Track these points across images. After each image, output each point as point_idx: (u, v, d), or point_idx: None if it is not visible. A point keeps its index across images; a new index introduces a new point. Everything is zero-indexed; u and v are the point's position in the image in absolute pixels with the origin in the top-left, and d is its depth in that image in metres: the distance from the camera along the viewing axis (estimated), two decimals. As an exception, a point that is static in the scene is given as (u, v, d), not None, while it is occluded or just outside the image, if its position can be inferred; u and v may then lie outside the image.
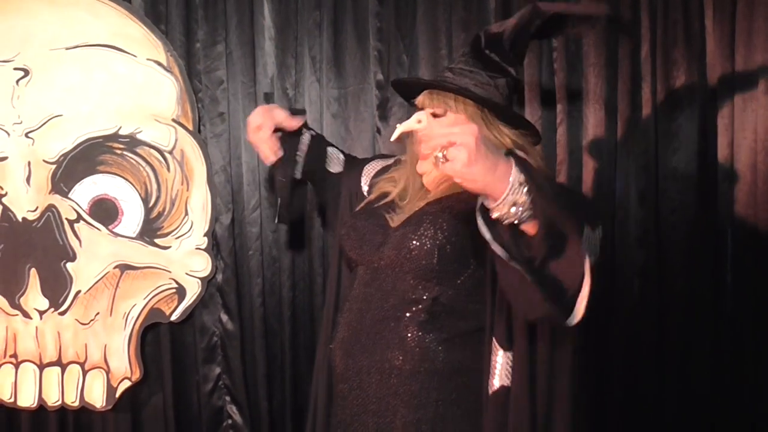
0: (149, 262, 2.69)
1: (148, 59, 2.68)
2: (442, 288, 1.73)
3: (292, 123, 2.14)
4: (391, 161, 2.08)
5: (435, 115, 1.77)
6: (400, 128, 1.71)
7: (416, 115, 1.71)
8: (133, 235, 2.69)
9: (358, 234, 1.85)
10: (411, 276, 1.74)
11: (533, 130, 1.86)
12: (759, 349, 2.57)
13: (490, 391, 1.69)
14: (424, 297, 1.74)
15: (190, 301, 2.72)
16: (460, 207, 1.73)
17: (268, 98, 2.73)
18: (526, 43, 1.88)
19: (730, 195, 2.59)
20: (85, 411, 2.74)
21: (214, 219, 2.72)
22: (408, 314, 1.74)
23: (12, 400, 2.72)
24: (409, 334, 1.73)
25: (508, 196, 1.38)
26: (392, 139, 1.76)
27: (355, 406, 1.78)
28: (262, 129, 2.05)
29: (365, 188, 2.04)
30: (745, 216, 2.57)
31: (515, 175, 1.38)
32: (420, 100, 1.82)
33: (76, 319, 2.68)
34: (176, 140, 2.68)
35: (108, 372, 2.70)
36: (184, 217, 2.70)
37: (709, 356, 2.63)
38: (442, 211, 1.74)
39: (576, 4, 1.90)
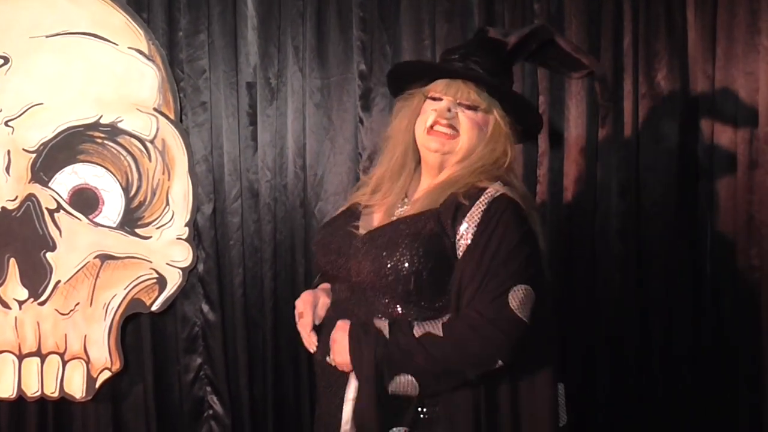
0: (130, 252, 2.68)
1: (129, 48, 2.66)
2: (420, 310, 1.71)
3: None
4: None
5: (468, 108, 1.79)
6: (435, 114, 1.78)
7: (446, 104, 1.78)
8: (114, 225, 2.68)
9: (325, 246, 1.83)
10: (388, 297, 1.72)
11: (537, 130, 1.98)
12: (737, 340, 2.59)
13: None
14: (402, 315, 1.71)
15: (171, 291, 2.71)
16: (435, 227, 1.71)
17: (251, 88, 2.72)
18: (521, 57, 1.91)
19: (710, 187, 2.61)
20: (64, 402, 2.72)
21: (196, 209, 2.71)
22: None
23: (-9, 390, 2.70)
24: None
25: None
26: (428, 123, 1.78)
27: (333, 406, 1.77)
28: (303, 317, 1.85)
29: None
30: (725, 208, 2.59)
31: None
32: (444, 87, 1.80)
33: (56, 309, 2.67)
34: (157, 129, 2.66)
35: (88, 362, 2.69)
36: (165, 207, 2.69)
37: (691, 347, 2.65)
38: (418, 234, 1.71)
39: (578, 48, 1.94)
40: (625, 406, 2.66)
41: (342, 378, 1.73)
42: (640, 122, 2.66)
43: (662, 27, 2.64)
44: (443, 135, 1.79)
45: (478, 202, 1.71)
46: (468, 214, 1.70)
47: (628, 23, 2.63)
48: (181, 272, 2.70)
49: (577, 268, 2.68)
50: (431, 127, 1.79)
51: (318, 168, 2.72)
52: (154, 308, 2.71)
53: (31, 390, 2.69)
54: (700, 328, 2.65)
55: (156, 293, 2.70)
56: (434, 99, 1.81)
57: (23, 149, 2.64)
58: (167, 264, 2.70)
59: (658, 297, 2.65)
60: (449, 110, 1.78)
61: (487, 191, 1.73)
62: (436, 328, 1.65)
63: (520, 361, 1.67)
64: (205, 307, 2.75)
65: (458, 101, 1.79)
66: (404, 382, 1.64)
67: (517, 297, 1.63)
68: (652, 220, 2.66)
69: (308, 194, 2.72)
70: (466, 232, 1.69)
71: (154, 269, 2.69)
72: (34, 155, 2.65)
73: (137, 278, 2.69)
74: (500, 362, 1.63)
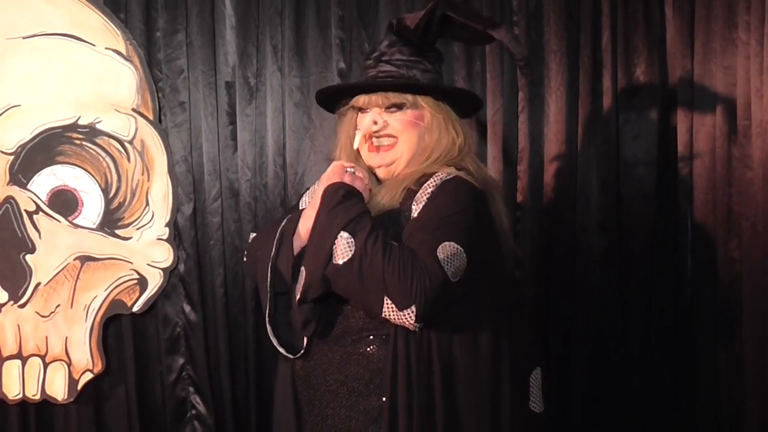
0: (110, 253, 2.67)
1: (107, 48, 2.64)
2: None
3: None
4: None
5: (395, 109, 1.79)
6: (360, 133, 1.79)
7: (371, 117, 1.79)
8: (94, 226, 2.66)
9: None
10: (363, 311, 1.72)
11: (477, 103, 1.94)
12: (717, 332, 2.60)
13: None
14: (379, 329, 1.72)
15: (152, 292, 2.69)
16: (398, 229, 1.71)
17: (229, 87, 2.71)
18: (432, 37, 1.87)
19: (690, 180, 2.62)
20: (46, 404, 2.70)
21: (176, 209, 2.70)
22: (368, 336, 1.73)
23: (-28, 394, 2.69)
24: (370, 350, 1.72)
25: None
26: (355, 146, 1.81)
27: (325, 426, 1.76)
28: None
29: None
30: (705, 201, 2.60)
31: None
32: (365, 100, 1.81)
33: (37, 312, 2.65)
34: (136, 130, 2.65)
35: (69, 364, 2.67)
36: (145, 208, 2.68)
37: (671, 339, 2.66)
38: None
39: (477, 18, 1.89)
40: (604, 397, 2.67)
41: (340, 396, 1.73)
42: (620, 117, 2.67)
43: (641, 22, 2.66)
44: (382, 148, 1.81)
45: (427, 183, 1.73)
46: (417, 195, 1.72)
47: (607, 18, 2.64)
48: (162, 273, 2.70)
49: (558, 262, 2.68)
50: (370, 145, 1.81)
51: (298, 167, 2.72)
52: (135, 309, 2.70)
53: (13, 393, 2.67)
54: (680, 321, 2.66)
55: (137, 294, 2.69)
56: (362, 110, 1.83)
57: (1, 151, 2.62)
58: (148, 265, 2.69)
59: (638, 290, 2.66)
60: (375, 122, 1.79)
61: (437, 174, 1.74)
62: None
63: (444, 327, 1.65)
64: (187, 308, 2.75)
65: (383, 107, 1.79)
66: (347, 242, 1.62)
67: (445, 250, 1.62)
68: (633, 214, 2.67)
69: (289, 193, 2.71)
70: (415, 208, 1.71)
71: (134, 270, 2.68)
72: (11, 157, 2.63)
73: (118, 279, 2.68)
74: (413, 309, 1.58)
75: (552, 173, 2.67)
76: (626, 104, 2.67)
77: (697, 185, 2.61)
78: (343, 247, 1.63)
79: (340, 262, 1.62)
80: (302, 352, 1.75)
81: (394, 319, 1.62)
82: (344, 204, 1.68)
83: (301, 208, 1.87)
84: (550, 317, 2.68)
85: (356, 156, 1.86)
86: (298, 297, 1.69)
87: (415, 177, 1.76)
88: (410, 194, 1.74)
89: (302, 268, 1.69)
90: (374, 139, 1.81)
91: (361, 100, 1.82)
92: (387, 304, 1.60)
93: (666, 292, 2.65)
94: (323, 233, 1.66)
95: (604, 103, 2.65)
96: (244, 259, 1.95)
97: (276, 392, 1.88)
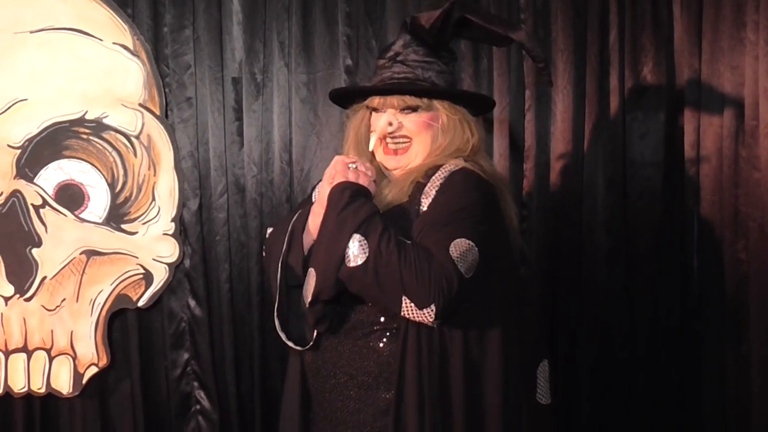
0: (116, 247, 2.67)
1: (114, 43, 2.65)
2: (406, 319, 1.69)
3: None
4: None
5: (410, 111, 1.79)
6: (376, 135, 1.79)
7: (386, 118, 1.78)
8: (100, 221, 2.67)
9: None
10: (370, 306, 1.73)
11: (491, 103, 1.97)
12: (724, 332, 2.59)
13: None
14: (389, 323, 1.72)
15: (158, 287, 2.70)
16: (405, 224, 1.71)
17: (236, 83, 2.72)
18: (447, 38, 1.86)
19: (697, 180, 2.61)
20: (51, 397, 2.71)
21: (182, 204, 2.70)
22: (379, 329, 1.73)
23: (-22, 387, 2.70)
24: (381, 344, 1.73)
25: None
26: (371, 148, 1.81)
27: (334, 418, 1.77)
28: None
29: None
30: (711, 201, 2.59)
31: None
32: (381, 101, 1.81)
33: (42, 305, 2.66)
34: (143, 125, 2.66)
35: (75, 358, 2.68)
36: (151, 203, 2.68)
37: (677, 339, 2.65)
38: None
39: (496, 21, 1.89)
40: (610, 396, 2.67)
41: (350, 390, 1.73)
42: (627, 116, 2.66)
43: (648, 21, 2.65)
44: (398, 152, 1.81)
45: (435, 176, 1.73)
46: (426, 189, 1.72)
47: (614, 17, 2.63)
48: (167, 268, 2.70)
49: (564, 260, 2.68)
50: (385, 147, 1.81)
51: (304, 163, 2.72)
52: (140, 304, 2.71)
53: (18, 386, 2.69)
54: (687, 321, 2.65)
55: (142, 289, 2.70)
56: (375, 110, 1.82)
57: (8, 145, 2.63)
58: (153, 259, 2.69)
59: (644, 289, 2.66)
60: (390, 124, 1.78)
61: (444, 167, 1.74)
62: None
63: (455, 320, 1.66)
64: (192, 303, 2.75)
65: (398, 109, 1.79)
66: (359, 244, 1.62)
67: (458, 247, 1.63)
68: (639, 214, 2.66)
69: (294, 189, 2.71)
70: (425, 201, 1.71)
71: (140, 265, 2.69)
72: (18, 151, 2.64)
73: (124, 274, 2.68)
74: (432, 308, 1.59)
75: (558, 172, 2.67)
76: (633, 103, 2.66)
77: (703, 185, 2.60)
78: (357, 250, 1.62)
79: (354, 264, 1.62)
80: (311, 344, 1.76)
81: (414, 317, 1.62)
82: (352, 205, 1.67)
83: (313, 201, 1.87)
84: (557, 315, 2.67)
85: (371, 157, 1.85)
86: (309, 300, 1.69)
87: (423, 170, 1.76)
88: (419, 187, 1.74)
89: (311, 269, 1.69)
90: (389, 140, 1.80)
91: (376, 101, 1.82)
92: (406, 303, 1.61)
93: (672, 291, 2.64)
94: (333, 237, 1.65)
95: (611, 102, 2.64)
96: (263, 254, 1.95)
97: (285, 384, 1.88)
